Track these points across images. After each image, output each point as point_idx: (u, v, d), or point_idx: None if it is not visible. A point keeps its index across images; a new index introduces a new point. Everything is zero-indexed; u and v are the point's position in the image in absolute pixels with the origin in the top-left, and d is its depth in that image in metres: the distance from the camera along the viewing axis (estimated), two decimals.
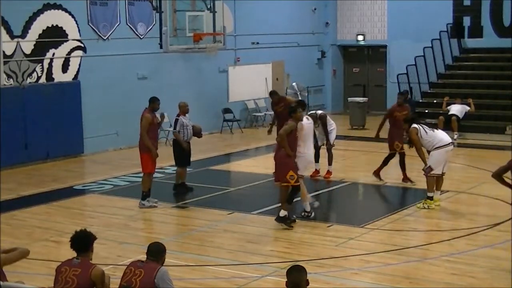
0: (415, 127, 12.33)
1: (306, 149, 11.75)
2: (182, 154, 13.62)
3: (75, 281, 6.00)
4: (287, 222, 11.20)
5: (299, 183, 11.26)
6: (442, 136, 12.45)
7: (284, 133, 11.04)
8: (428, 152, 12.47)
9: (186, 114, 13.72)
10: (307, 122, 11.93)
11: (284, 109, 14.59)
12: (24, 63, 16.77)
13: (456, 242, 10.47)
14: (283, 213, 11.19)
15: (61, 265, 6.20)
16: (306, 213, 11.81)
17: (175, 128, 13.56)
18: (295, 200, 11.52)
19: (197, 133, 13.74)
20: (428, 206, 12.31)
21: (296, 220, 11.48)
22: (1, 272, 6.44)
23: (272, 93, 15.81)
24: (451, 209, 12.48)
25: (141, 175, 13.15)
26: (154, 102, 12.76)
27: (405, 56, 23.49)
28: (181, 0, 19.23)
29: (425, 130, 12.30)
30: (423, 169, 12.42)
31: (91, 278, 6.02)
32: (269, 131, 15.76)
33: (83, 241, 6.25)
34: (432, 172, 12.27)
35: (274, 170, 11.49)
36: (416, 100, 22.59)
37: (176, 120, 13.57)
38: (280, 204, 11.53)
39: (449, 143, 12.39)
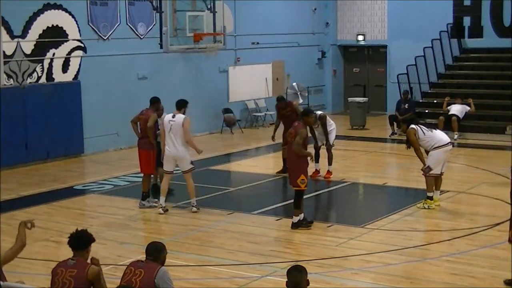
0: (413, 128, 12.33)
1: (173, 146, 11.97)
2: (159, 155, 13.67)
3: (72, 282, 5.98)
4: (303, 224, 11.19)
5: (306, 188, 11.27)
6: (440, 136, 12.45)
7: (299, 146, 10.97)
8: (427, 152, 12.47)
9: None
10: (171, 119, 12.01)
11: (292, 113, 14.66)
12: (24, 63, 16.77)
13: (456, 242, 10.47)
14: (295, 219, 11.18)
15: (57, 266, 6.17)
16: (160, 206, 12.19)
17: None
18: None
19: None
20: (428, 206, 12.31)
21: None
22: (1, 273, 6.45)
23: (280, 99, 15.63)
24: (451, 209, 12.48)
25: (141, 175, 13.16)
26: (157, 103, 12.88)
27: (405, 56, 23.47)
28: (181, 0, 19.24)
29: (423, 131, 12.30)
30: (422, 169, 12.41)
31: (88, 277, 6.01)
32: (273, 138, 15.37)
33: (81, 240, 6.25)
34: (431, 172, 12.27)
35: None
36: (417, 100, 22.59)
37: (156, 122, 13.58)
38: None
39: (447, 143, 12.38)
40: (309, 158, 11.20)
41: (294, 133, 11.05)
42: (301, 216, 11.23)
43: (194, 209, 12.28)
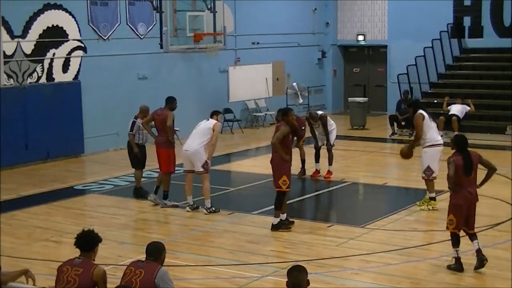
0: (421, 114, 12.16)
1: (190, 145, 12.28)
2: (136, 156, 13.68)
3: (77, 281, 6.00)
4: (284, 226, 11.18)
5: (289, 189, 11.24)
6: (435, 134, 12.38)
7: (277, 140, 11.00)
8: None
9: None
10: (202, 121, 12.51)
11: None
12: (25, 63, 16.77)
13: None
14: (275, 220, 11.17)
15: (63, 264, 6.20)
16: (210, 210, 12.20)
17: (131, 130, 13.56)
18: None
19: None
20: (432, 207, 12.28)
21: (294, 221, 11.45)
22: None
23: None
24: None
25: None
26: (173, 102, 12.90)
27: (406, 56, 23.48)
28: (182, 0, 19.25)
29: (429, 119, 12.20)
30: (424, 173, 12.26)
31: (93, 277, 6.02)
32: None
33: (88, 241, 6.26)
34: (433, 175, 12.22)
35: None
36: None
37: (134, 123, 13.57)
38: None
39: (441, 143, 12.35)
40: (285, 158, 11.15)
41: (276, 132, 11.12)
42: (283, 216, 11.22)
43: (204, 211, 12.29)
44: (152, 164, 14.21)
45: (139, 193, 13.66)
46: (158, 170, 13.10)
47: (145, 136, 13.64)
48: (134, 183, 13.90)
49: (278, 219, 11.15)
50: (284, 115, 11.29)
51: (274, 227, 11.13)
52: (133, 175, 15.14)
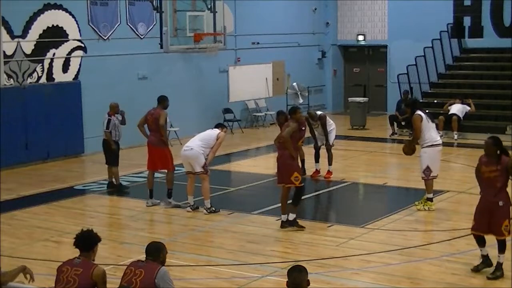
0: (420, 115, 12.15)
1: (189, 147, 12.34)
2: (111, 153, 13.80)
3: (77, 281, 6.00)
4: (298, 224, 11.18)
5: (303, 184, 11.28)
6: (434, 134, 12.38)
7: (288, 135, 11.04)
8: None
9: (117, 114, 13.82)
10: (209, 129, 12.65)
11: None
12: (25, 63, 16.77)
13: (456, 242, 10.47)
14: (292, 216, 11.15)
15: (62, 264, 6.21)
16: (210, 210, 12.22)
17: (107, 128, 13.70)
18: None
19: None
20: (428, 208, 12.28)
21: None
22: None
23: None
24: (451, 209, 12.47)
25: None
26: (166, 101, 12.93)
27: (406, 56, 23.48)
28: (182, 0, 19.24)
29: (427, 120, 12.21)
30: (423, 173, 12.27)
31: (93, 278, 6.02)
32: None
33: (87, 241, 6.26)
34: (432, 175, 12.22)
35: (276, 171, 11.50)
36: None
37: (109, 120, 13.71)
38: (280, 205, 11.50)
39: (440, 143, 12.35)
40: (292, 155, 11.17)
41: (284, 129, 11.14)
42: (291, 216, 11.16)
43: (204, 211, 12.28)
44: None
45: (122, 190, 13.84)
46: (164, 171, 13.05)
47: (120, 133, 13.85)
48: (109, 179, 14.03)
49: (294, 215, 11.11)
50: (292, 113, 11.37)
51: (290, 223, 11.08)
52: (133, 175, 15.16)
